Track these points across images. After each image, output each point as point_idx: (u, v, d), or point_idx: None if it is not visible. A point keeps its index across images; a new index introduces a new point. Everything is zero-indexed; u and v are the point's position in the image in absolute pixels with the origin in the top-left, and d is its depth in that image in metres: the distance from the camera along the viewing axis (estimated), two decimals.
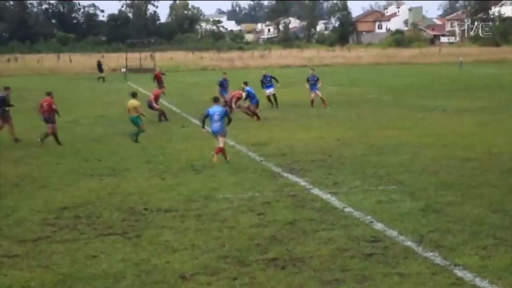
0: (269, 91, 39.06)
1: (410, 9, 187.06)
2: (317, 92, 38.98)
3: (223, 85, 38.58)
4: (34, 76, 79.76)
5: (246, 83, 34.16)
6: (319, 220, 14.71)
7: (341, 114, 35.36)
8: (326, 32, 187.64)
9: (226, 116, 22.51)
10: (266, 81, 39.32)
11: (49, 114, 27.25)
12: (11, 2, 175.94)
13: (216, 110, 22.26)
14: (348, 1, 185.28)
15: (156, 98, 34.17)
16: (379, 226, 14.09)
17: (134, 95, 28.14)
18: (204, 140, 26.78)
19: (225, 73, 40.22)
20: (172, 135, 29.09)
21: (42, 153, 25.28)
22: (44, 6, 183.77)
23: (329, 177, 19.38)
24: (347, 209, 15.55)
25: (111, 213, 15.90)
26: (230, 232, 13.96)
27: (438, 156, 22.22)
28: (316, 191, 17.62)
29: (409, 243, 12.90)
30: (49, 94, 28.08)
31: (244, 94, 33.67)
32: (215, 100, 23.17)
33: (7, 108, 28.23)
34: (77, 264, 12.33)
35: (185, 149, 25.13)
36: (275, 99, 39.05)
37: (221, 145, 22.13)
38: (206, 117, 22.45)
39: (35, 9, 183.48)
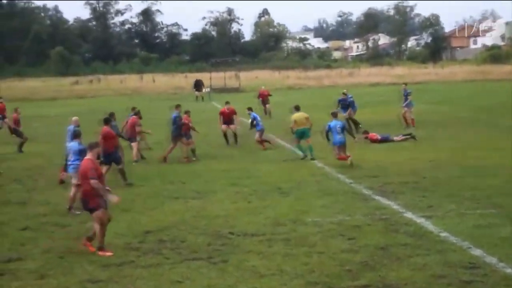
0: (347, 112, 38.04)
1: (506, 23, 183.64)
2: (404, 108, 38.38)
3: (340, 103, 37.96)
4: (117, 97, 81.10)
5: (250, 109, 33.73)
6: (413, 245, 14.52)
7: (433, 134, 34.91)
8: (418, 48, 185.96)
9: (345, 129, 26.21)
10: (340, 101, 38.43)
11: (185, 130, 29.06)
12: (94, 23, 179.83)
13: (337, 123, 25.73)
14: (440, 16, 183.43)
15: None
16: (477, 252, 13.82)
17: (298, 108, 28.79)
18: (291, 162, 26.85)
19: (344, 93, 39.36)
20: (258, 157, 29.19)
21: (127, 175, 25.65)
22: (127, 26, 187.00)
23: (423, 199, 19.15)
24: (442, 234, 15.31)
25: (196, 237, 16.02)
26: (320, 258, 13.89)
27: None
28: (409, 214, 17.42)
29: (510, 270, 12.62)
30: (186, 112, 29.79)
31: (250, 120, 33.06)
32: (334, 115, 26.33)
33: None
34: None
35: (271, 171, 25.18)
36: (354, 122, 38.11)
37: (347, 153, 25.45)
38: (328, 131, 25.84)
39: (117, 29, 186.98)
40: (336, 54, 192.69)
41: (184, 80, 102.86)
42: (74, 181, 19.76)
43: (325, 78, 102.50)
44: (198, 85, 75.03)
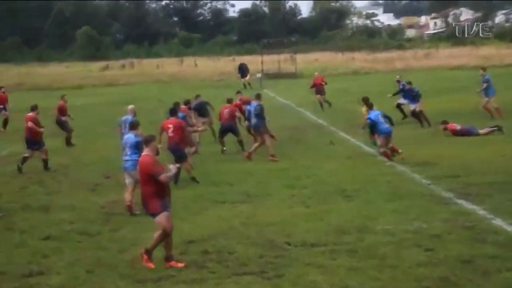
0: (415, 105, 37.33)
1: None
2: (485, 97, 37.83)
3: (403, 93, 37.84)
4: (153, 84, 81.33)
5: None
6: (503, 257, 14.38)
7: None
8: (507, 24, 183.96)
9: (386, 116, 26.45)
10: (405, 91, 37.97)
11: (231, 122, 29.88)
12: None
13: (377, 112, 26.22)
14: None
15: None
16: None
17: (367, 100, 29.03)
18: (357, 159, 26.79)
19: (409, 82, 38.95)
20: (318, 153, 29.11)
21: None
22: (164, 2, 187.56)
23: None
24: None
25: (246, 247, 16.03)
26: (392, 272, 13.83)
27: None
28: (498, 221, 17.25)
29: None
30: (229, 101, 30.61)
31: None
32: (371, 106, 26.99)
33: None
34: None
35: (334, 170, 25.11)
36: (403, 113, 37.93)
37: (391, 144, 26.04)
38: (373, 124, 26.10)
39: (153, 5, 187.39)
40: (410, 33, 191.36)
41: (231, 64, 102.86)
42: (128, 180, 19.95)
43: (397, 60, 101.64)
44: (242, 69, 74.47)
